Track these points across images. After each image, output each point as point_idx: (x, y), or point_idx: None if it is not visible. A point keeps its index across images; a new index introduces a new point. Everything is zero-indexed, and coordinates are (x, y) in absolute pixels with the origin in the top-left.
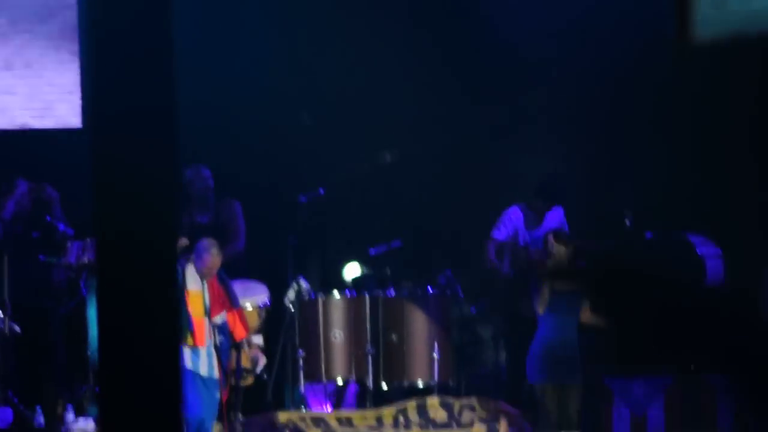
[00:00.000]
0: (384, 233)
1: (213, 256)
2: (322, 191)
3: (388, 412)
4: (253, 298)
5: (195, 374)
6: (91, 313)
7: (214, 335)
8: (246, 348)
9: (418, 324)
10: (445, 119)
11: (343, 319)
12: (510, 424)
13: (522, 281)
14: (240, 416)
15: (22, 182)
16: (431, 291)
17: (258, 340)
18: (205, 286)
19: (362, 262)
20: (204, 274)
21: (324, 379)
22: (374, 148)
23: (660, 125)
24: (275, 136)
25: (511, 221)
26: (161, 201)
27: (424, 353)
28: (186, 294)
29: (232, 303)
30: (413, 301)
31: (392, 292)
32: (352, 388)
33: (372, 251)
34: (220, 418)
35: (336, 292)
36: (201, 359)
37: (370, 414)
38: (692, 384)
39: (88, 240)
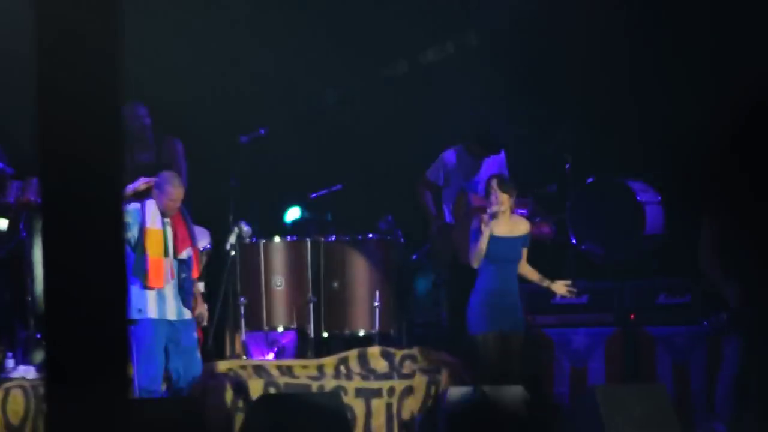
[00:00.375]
0: (325, 176)
1: (175, 188)
2: (263, 131)
3: (329, 361)
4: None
5: (161, 321)
6: (36, 254)
7: (178, 273)
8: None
9: (360, 271)
10: (386, 60)
11: (284, 265)
12: (451, 375)
13: (462, 227)
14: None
15: None
16: (372, 236)
17: (199, 286)
18: (168, 223)
19: (303, 206)
20: (168, 208)
21: (265, 328)
22: (317, 88)
23: (602, 66)
24: (217, 74)
25: (446, 165)
26: (105, 135)
27: (365, 301)
28: (144, 233)
29: (193, 241)
30: (354, 247)
31: (333, 238)
32: (293, 336)
33: (313, 195)
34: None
35: (277, 237)
36: (167, 300)
37: (311, 363)
38: (631, 335)
39: (28, 179)
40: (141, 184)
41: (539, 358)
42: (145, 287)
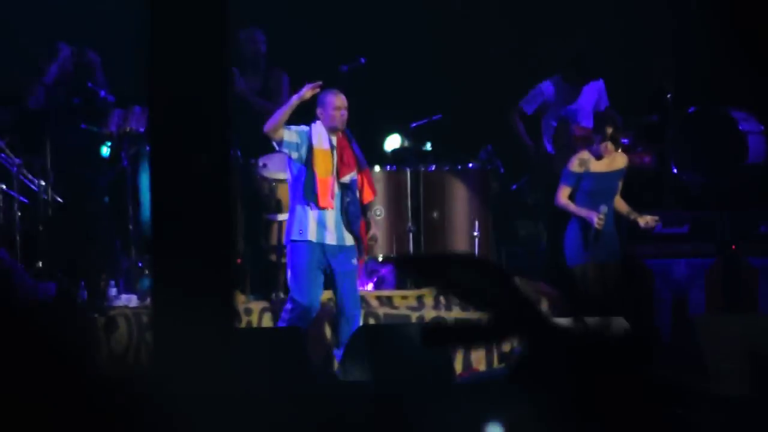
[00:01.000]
0: (425, 106)
1: (337, 96)
2: (363, 61)
3: (428, 292)
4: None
5: (319, 245)
6: (143, 181)
7: (343, 197)
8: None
9: (459, 201)
10: None
11: (383, 195)
12: (551, 305)
13: (563, 158)
14: (282, 294)
15: (65, 46)
16: (472, 166)
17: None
18: (335, 146)
19: (403, 134)
20: (335, 119)
21: (365, 257)
22: (417, 18)
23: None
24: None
25: (542, 94)
26: (214, 66)
27: (464, 231)
28: (312, 153)
29: (360, 164)
30: (454, 176)
31: (433, 167)
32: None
33: (413, 124)
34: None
35: (377, 167)
36: (328, 225)
37: (410, 294)
38: (733, 265)
39: (130, 107)
40: (306, 90)
41: (640, 289)
42: (316, 207)
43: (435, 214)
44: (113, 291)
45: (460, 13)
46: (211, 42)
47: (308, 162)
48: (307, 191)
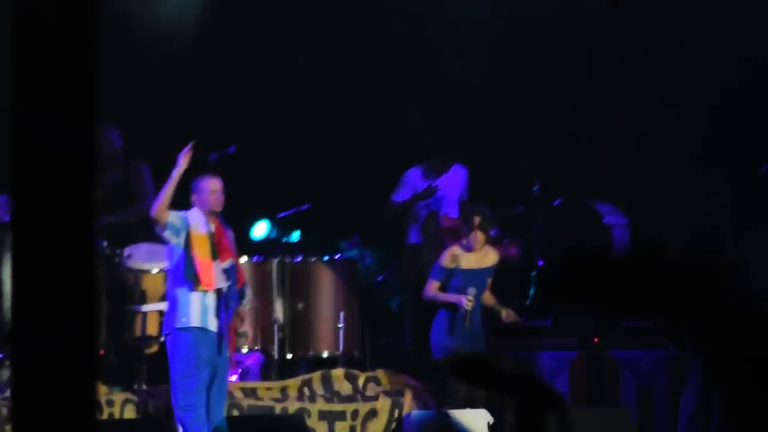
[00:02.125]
0: (293, 195)
1: (211, 179)
2: (232, 149)
3: (293, 383)
4: (159, 262)
5: (204, 331)
6: (4, 272)
7: (223, 281)
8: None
9: (325, 292)
10: (347, 84)
11: (249, 285)
12: (415, 398)
13: (431, 249)
14: (144, 386)
15: None
16: (338, 257)
17: (163, 306)
18: (213, 229)
19: (270, 223)
20: (211, 203)
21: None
22: (285, 111)
23: (573, 88)
24: (186, 94)
25: (410, 183)
26: (80, 157)
27: (329, 323)
28: (190, 238)
29: (234, 251)
30: (320, 267)
31: (299, 258)
32: (257, 357)
33: (280, 214)
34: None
35: (243, 257)
36: (209, 309)
37: (275, 385)
38: (595, 358)
39: None
40: (183, 158)
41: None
42: (194, 289)
43: (300, 306)
44: None
45: (326, 102)
46: (77, 131)
47: (187, 246)
48: (188, 274)
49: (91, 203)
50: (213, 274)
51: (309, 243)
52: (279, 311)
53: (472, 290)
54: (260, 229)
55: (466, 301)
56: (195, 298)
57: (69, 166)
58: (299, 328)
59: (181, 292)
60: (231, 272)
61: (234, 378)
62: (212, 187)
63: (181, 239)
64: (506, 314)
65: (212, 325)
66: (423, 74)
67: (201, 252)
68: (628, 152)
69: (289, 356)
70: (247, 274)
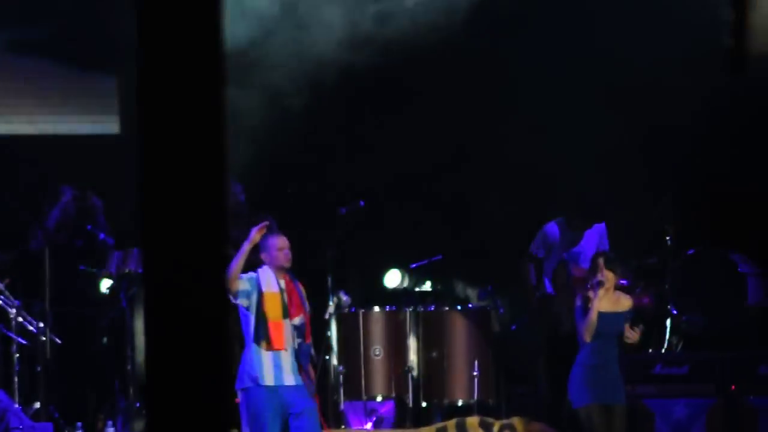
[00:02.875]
0: (424, 247)
1: (279, 236)
2: (362, 203)
3: (428, 430)
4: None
5: (278, 388)
6: (137, 324)
7: (293, 338)
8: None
9: (459, 340)
10: (484, 131)
11: (383, 334)
12: None
13: (562, 299)
14: None
15: (67, 189)
16: (471, 306)
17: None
18: (284, 289)
19: (402, 271)
20: (280, 260)
21: (364, 397)
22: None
23: (704, 141)
24: (314, 148)
25: (548, 237)
26: (209, 210)
27: (464, 371)
28: (262, 298)
29: (305, 307)
30: (453, 316)
31: (432, 307)
32: (391, 406)
33: (413, 264)
34: None
35: (376, 307)
36: (284, 366)
37: None
38: (733, 406)
39: (129, 249)
40: (255, 233)
41: (641, 430)
42: (269, 350)
43: (434, 354)
44: (111, 431)
45: (454, 154)
46: (206, 183)
47: (259, 306)
48: (258, 335)
49: (223, 255)
50: (283, 335)
51: (441, 293)
52: (413, 359)
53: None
54: (392, 277)
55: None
56: (267, 356)
57: (200, 218)
58: (433, 376)
59: (255, 351)
60: (301, 329)
61: (369, 426)
62: (281, 244)
63: (253, 300)
64: (632, 335)
65: (288, 380)
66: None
67: (272, 312)
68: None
69: (424, 404)
70: (380, 323)
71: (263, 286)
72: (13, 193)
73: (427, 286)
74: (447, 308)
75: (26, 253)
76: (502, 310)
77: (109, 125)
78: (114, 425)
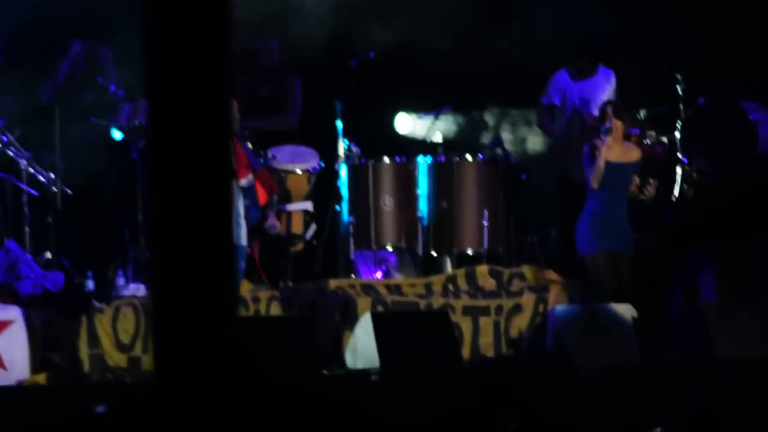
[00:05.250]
0: (434, 98)
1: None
2: (372, 55)
3: (437, 279)
4: (303, 163)
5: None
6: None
7: (240, 199)
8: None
9: (469, 190)
10: None
11: (393, 185)
12: (559, 293)
13: (574, 146)
14: (290, 283)
15: (77, 42)
16: (481, 156)
17: (308, 206)
18: None
19: (412, 112)
20: None
21: (374, 247)
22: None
23: None
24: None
25: (559, 85)
26: (216, 64)
27: (473, 220)
28: None
29: (254, 166)
30: (463, 166)
31: (442, 158)
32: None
33: (422, 115)
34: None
35: (386, 157)
36: None
37: (419, 282)
38: (744, 253)
39: (139, 101)
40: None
41: (650, 277)
42: None
43: (444, 204)
44: (121, 281)
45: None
46: (214, 39)
47: None
48: None
49: (226, 106)
50: None
51: (451, 142)
52: (423, 209)
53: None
54: (403, 123)
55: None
56: None
57: (206, 66)
58: (443, 226)
59: None
60: (251, 191)
61: (379, 275)
62: None
63: None
64: (648, 190)
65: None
66: None
67: None
68: None
69: (434, 254)
70: (390, 174)
71: None
72: (22, 45)
73: (438, 136)
74: (457, 158)
75: (36, 105)
76: (512, 160)
77: None
78: (124, 275)
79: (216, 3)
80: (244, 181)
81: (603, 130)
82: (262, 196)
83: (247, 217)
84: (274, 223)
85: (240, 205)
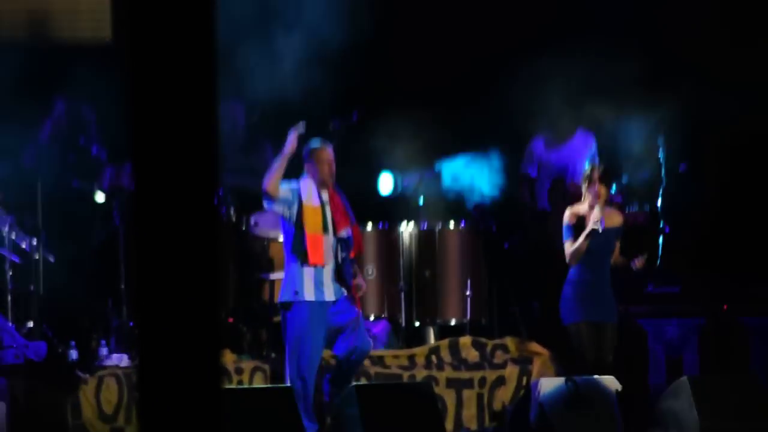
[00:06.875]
0: (416, 163)
1: (323, 149)
2: (355, 117)
3: (420, 351)
4: None
5: (318, 304)
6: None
7: (338, 251)
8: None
9: (451, 259)
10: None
11: (375, 253)
12: (543, 365)
13: (557, 215)
14: (272, 353)
15: (60, 102)
16: (464, 224)
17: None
18: (327, 202)
19: (395, 175)
20: (325, 173)
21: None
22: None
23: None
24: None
25: (534, 152)
26: (202, 127)
27: (456, 290)
28: (302, 210)
29: (351, 220)
30: (446, 235)
31: (425, 226)
32: (384, 325)
33: (405, 181)
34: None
35: (369, 224)
36: (325, 282)
37: (402, 353)
38: (725, 325)
39: (122, 164)
40: (291, 138)
41: (633, 349)
42: (304, 264)
43: (427, 273)
44: (104, 350)
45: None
46: (201, 93)
47: (298, 219)
48: (295, 249)
49: (214, 170)
50: (322, 250)
51: (433, 210)
52: (405, 278)
53: (597, 210)
54: (386, 183)
55: (594, 221)
56: (307, 271)
57: (190, 134)
58: (426, 295)
59: (295, 266)
60: (347, 242)
61: None
62: (324, 156)
63: (293, 212)
64: (639, 261)
65: (329, 296)
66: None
67: (311, 226)
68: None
69: (417, 324)
70: (372, 241)
71: (304, 197)
72: (3, 106)
73: (420, 201)
74: (440, 226)
75: (18, 167)
76: (494, 229)
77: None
78: (107, 344)
79: (202, 64)
80: (343, 233)
81: (590, 196)
82: (357, 248)
83: (344, 270)
84: (361, 283)
85: (331, 260)
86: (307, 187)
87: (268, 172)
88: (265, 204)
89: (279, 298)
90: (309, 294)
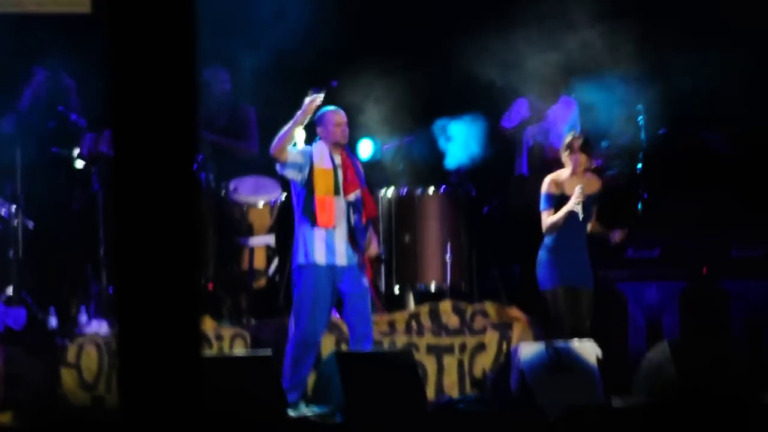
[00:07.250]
0: (396, 128)
1: (336, 112)
2: (335, 84)
3: (400, 317)
4: (265, 195)
5: (328, 267)
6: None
7: (349, 214)
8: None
9: (431, 224)
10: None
11: None
12: (523, 330)
13: (536, 180)
14: (253, 320)
15: (40, 70)
16: (443, 189)
17: (270, 240)
18: (339, 165)
19: (374, 141)
20: (337, 135)
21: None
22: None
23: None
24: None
25: (518, 112)
26: (181, 93)
27: (436, 255)
28: (313, 173)
29: (361, 182)
30: (426, 200)
31: (404, 191)
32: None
33: (385, 146)
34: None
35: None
36: (336, 245)
37: (382, 319)
38: (706, 289)
39: (101, 131)
40: (308, 103)
41: (612, 313)
42: (315, 227)
43: (407, 238)
44: (84, 317)
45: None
46: (179, 61)
47: (309, 182)
48: (306, 211)
49: (193, 138)
50: (332, 211)
51: (413, 174)
52: (385, 244)
53: (579, 188)
54: (366, 149)
55: (576, 202)
56: (318, 234)
57: (169, 101)
58: (406, 261)
59: (305, 229)
60: (358, 204)
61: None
62: (337, 119)
63: (304, 175)
64: (618, 235)
65: (340, 260)
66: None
67: (322, 188)
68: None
69: (397, 289)
70: None
71: (316, 160)
72: None
73: (400, 167)
74: (420, 191)
75: None
76: (474, 193)
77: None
78: (87, 311)
79: (181, 32)
80: (352, 196)
81: (572, 164)
82: (370, 210)
83: (355, 235)
84: (373, 251)
85: (343, 222)
86: (320, 150)
87: (278, 136)
88: (277, 168)
89: (293, 262)
90: (320, 257)
